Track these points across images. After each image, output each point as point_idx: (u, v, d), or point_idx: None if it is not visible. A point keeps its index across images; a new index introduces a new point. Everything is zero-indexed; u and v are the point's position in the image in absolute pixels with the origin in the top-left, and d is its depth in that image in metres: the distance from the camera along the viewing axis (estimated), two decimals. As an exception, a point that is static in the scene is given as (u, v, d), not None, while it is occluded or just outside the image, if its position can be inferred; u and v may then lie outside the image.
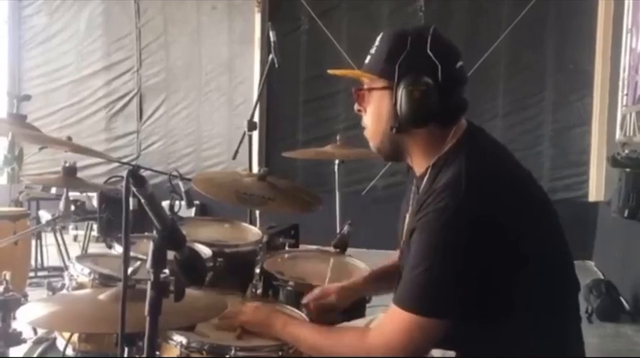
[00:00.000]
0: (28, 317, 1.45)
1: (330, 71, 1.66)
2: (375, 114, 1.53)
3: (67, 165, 2.57)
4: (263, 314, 1.63)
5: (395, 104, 1.45)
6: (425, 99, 1.42)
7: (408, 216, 1.57)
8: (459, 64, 1.49)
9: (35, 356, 1.94)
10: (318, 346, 1.50)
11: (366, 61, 1.54)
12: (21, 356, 2.04)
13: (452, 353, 1.48)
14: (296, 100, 6.87)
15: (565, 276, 1.48)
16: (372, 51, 1.53)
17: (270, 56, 2.94)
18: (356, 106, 1.58)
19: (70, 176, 2.60)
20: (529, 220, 1.40)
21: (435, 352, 1.54)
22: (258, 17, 6.78)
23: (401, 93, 1.43)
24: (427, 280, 1.34)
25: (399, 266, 1.66)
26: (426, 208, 1.38)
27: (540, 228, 1.43)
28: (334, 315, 1.89)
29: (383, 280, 1.92)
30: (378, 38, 1.53)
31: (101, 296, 1.47)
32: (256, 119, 3.08)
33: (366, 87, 1.55)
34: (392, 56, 1.46)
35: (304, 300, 1.89)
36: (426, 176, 1.49)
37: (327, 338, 1.51)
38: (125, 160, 6.66)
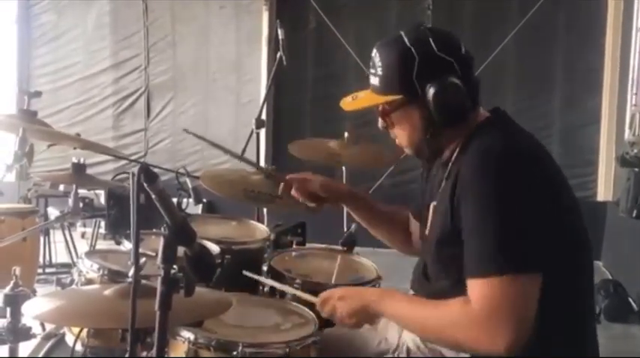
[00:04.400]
0: (33, 311, 1.46)
1: (344, 107, 1.69)
2: (407, 129, 1.54)
3: (76, 161, 2.58)
4: (355, 291, 1.63)
5: (429, 113, 1.46)
6: (458, 98, 1.45)
7: (434, 202, 1.57)
8: (463, 46, 1.52)
9: (44, 350, 1.95)
10: (422, 319, 1.44)
11: (375, 82, 1.53)
12: (31, 350, 2.05)
13: (466, 354, 1.47)
14: (303, 99, 6.86)
15: (586, 260, 1.52)
16: (378, 71, 1.51)
17: (279, 54, 2.93)
18: (380, 124, 1.60)
19: (79, 173, 2.61)
20: (562, 183, 1.50)
21: (449, 353, 1.53)
22: (265, 16, 6.78)
23: (432, 101, 1.44)
24: (502, 236, 1.32)
25: (393, 213, 1.84)
26: (465, 172, 1.40)
27: (570, 199, 1.50)
28: (321, 206, 1.90)
29: (364, 205, 1.93)
30: (377, 56, 1.51)
31: (106, 292, 1.47)
32: (263, 117, 3.08)
33: (388, 107, 1.54)
34: (405, 71, 1.46)
35: (288, 177, 1.88)
36: (455, 152, 1.52)
37: (431, 310, 1.43)
38: (132, 158, 6.66)
